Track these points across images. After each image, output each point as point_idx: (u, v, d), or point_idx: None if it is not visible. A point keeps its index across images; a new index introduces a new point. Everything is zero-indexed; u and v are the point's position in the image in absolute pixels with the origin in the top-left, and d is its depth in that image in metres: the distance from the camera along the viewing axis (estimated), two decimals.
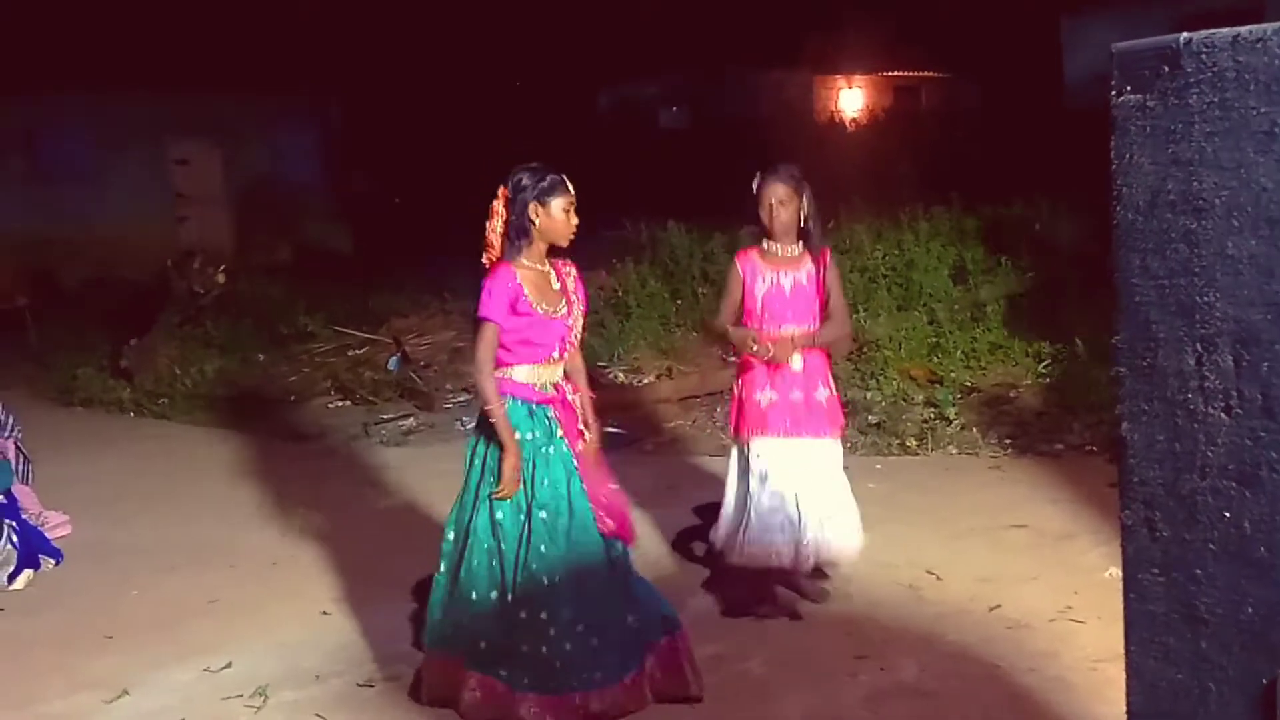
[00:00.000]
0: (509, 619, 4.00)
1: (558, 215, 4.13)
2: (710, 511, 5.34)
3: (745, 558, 4.83)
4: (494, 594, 4.03)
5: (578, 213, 4.21)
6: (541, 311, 4.10)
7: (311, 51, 20.44)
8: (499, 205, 4.15)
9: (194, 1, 19.24)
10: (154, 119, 19.77)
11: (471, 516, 4.08)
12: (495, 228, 4.16)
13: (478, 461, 4.12)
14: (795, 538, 4.77)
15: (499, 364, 4.13)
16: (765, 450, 4.83)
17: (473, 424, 4.38)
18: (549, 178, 4.14)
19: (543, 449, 4.07)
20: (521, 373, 4.14)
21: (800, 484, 4.80)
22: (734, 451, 5.01)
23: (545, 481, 4.04)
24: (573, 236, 4.21)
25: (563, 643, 3.97)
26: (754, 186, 4.88)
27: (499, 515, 4.03)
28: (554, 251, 4.24)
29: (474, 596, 4.05)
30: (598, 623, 4.02)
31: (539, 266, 4.17)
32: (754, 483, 4.84)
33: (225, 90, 19.77)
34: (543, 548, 3.99)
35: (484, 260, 4.22)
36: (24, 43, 17.60)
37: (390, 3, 22.23)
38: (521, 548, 4.01)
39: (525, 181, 4.12)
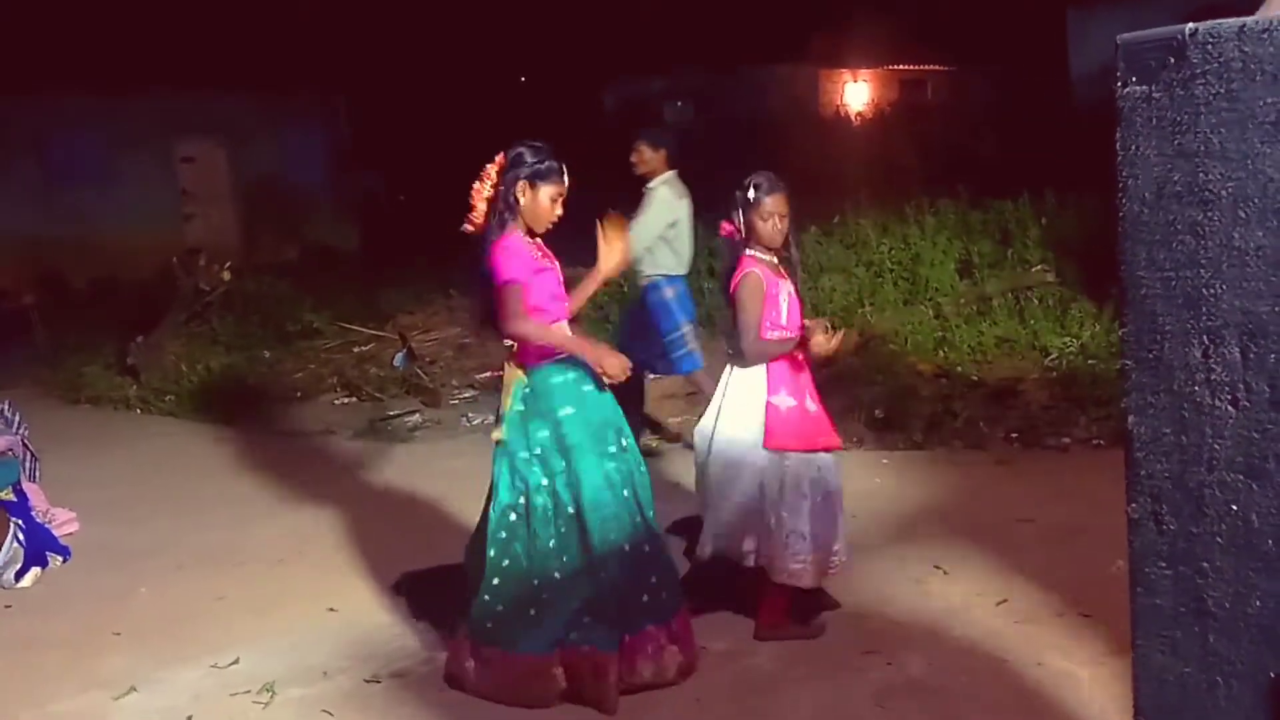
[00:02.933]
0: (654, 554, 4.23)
1: (543, 201, 4.16)
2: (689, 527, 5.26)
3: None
4: (628, 544, 4.13)
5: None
6: (550, 265, 4.22)
7: (317, 49, 20.46)
8: (491, 171, 4.18)
9: (201, 2, 19.25)
10: (161, 119, 19.81)
11: (575, 483, 4.09)
12: (483, 193, 4.17)
13: (544, 442, 4.13)
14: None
15: None
16: (813, 463, 4.56)
17: (490, 419, 4.37)
18: (547, 162, 4.16)
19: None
20: (561, 329, 4.24)
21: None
22: (773, 462, 4.52)
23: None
24: (552, 225, 4.24)
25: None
26: (750, 193, 4.57)
27: (615, 463, 4.15)
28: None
29: (616, 556, 4.10)
30: None
31: (525, 237, 4.22)
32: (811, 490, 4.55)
33: (232, 89, 19.80)
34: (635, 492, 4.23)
35: (466, 224, 4.22)
36: (32, 44, 17.63)
37: (395, 0, 22.23)
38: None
39: (525, 157, 4.16)
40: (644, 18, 23.61)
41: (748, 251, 4.64)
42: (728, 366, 4.70)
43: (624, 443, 4.23)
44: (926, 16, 23.90)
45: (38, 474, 6.85)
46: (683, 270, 7.14)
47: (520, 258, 4.09)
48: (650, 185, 7.04)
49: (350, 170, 22.68)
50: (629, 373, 4.21)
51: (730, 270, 4.71)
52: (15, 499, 6.19)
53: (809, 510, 4.51)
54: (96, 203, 18.93)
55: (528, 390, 4.17)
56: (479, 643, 4.21)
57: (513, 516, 4.13)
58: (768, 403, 4.52)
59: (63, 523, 6.59)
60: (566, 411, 4.13)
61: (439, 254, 14.95)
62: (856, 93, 26.65)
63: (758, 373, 4.57)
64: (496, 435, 4.21)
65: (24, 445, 6.68)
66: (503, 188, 4.14)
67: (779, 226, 4.63)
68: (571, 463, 4.09)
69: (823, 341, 4.55)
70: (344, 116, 23.10)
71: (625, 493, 4.15)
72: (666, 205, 6.99)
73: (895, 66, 27.36)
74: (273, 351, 11.83)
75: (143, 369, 11.17)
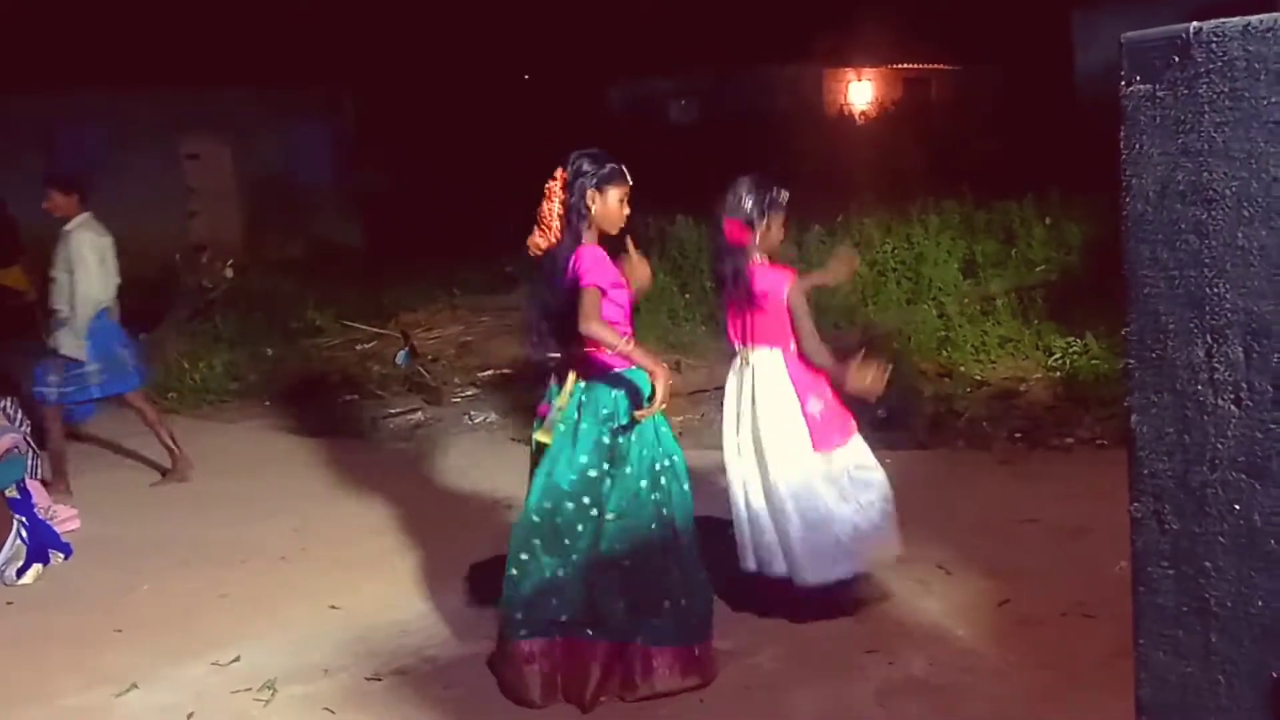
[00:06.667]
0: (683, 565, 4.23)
1: (613, 204, 4.22)
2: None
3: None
4: (645, 557, 4.14)
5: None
6: (624, 282, 4.26)
7: (323, 47, 20.45)
8: (556, 187, 4.21)
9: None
10: (166, 116, 19.81)
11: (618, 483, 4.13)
12: (553, 210, 4.20)
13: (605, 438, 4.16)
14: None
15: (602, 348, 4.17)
16: (859, 446, 4.77)
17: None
18: (609, 166, 4.23)
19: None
20: None
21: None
22: (819, 464, 4.68)
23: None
24: (623, 225, 4.29)
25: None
26: (781, 197, 4.68)
27: (662, 480, 4.18)
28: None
29: (631, 565, 4.13)
30: None
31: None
32: (867, 476, 4.75)
33: (237, 86, 19.80)
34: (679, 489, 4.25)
35: (534, 242, 4.23)
36: (40, 41, 17.66)
37: None
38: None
39: (585, 168, 4.20)
40: (648, 17, 23.59)
41: (757, 258, 4.70)
42: (740, 375, 4.74)
43: (670, 462, 4.23)
44: (930, 15, 23.86)
45: (39, 471, 6.86)
46: (105, 303, 7.37)
47: (604, 266, 4.13)
48: (67, 228, 7.31)
49: (354, 168, 22.67)
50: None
51: (738, 273, 4.71)
52: (19, 496, 6.20)
53: (862, 499, 4.68)
54: (100, 198, 18.86)
55: (585, 397, 4.20)
56: (499, 637, 4.29)
57: (535, 518, 4.18)
58: (804, 413, 4.64)
59: (64, 520, 6.60)
60: (621, 424, 4.15)
61: (442, 252, 14.98)
62: (860, 92, 26.60)
63: (784, 383, 4.65)
64: (544, 438, 4.22)
65: (26, 442, 6.69)
66: (572, 200, 4.17)
67: (782, 235, 4.78)
68: (612, 470, 4.13)
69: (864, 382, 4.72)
70: (349, 114, 23.11)
71: (663, 510, 4.17)
72: (93, 246, 7.29)
73: (899, 65, 27.31)
74: (275, 349, 11.82)
75: (145, 366, 11.15)
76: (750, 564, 4.76)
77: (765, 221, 4.66)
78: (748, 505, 4.74)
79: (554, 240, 4.21)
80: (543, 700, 4.13)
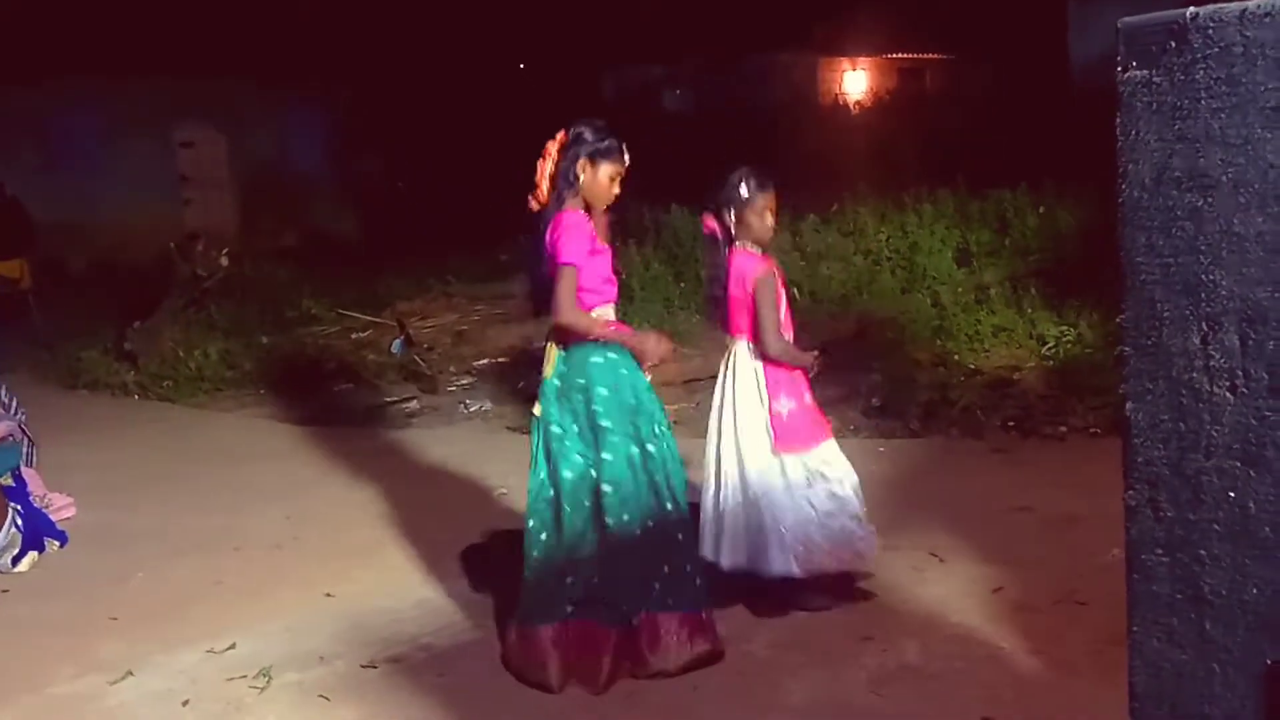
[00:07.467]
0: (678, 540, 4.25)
1: (602, 179, 4.21)
2: None
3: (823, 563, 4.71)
4: (643, 528, 4.14)
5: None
6: (604, 247, 4.24)
7: (317, 37, 20.39)
8: (552, 148, 4.21)
9: None
10: (161, 106, 19.78)
11: (610, 458, 4.13)
12: (546, 170, 4.20)
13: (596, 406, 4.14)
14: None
15: (584, 308, 4.17)
16: (829, 452, 4.68)
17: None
18: (608, 140, 4.21)
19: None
20: (606, 312, 4.25)
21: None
22: (780, 465, 4.61)
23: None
24: (610, 203, 4.28)
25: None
26: (743, 190, 4.63)
27: (650, 448, 4.17)
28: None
29: (629, 538, 4.12)
30: None
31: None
32: (831, 486, 4.65)
33: (232, 76, 19.76)
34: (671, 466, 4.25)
35: (530, 201, 4.24)
36: (36, 32, 17.61)
37: None
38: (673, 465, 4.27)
39: (585, 136, 4.20)
40: (643, 5, 23.53)
41: (738, 245, 4.68)
42: (727, 368, 4.73)
43: (657, 429, 4.22)
44: (925, 5, 23.83)
45: (35, 459, 6.85)
46: None
47: (581, 236, 4.12)
48: None
49: (349, 157, 22.63)
50: (671, 354, 4.24)
51: (723, 267, 4.72)
52: (14, 484, 6.19)
53: (834, 500, 4.61)
54: (95, 187, 18.88)
55: (565, 367, 4.19)
56: (516, 622, 4.29)
57: (550, 492, 4.18)
58: (771, 410, 4.60)
59: (60, 508, 6.59)
60: (601, 391, 4.14)
61: (437, 241, 14.98)
62: (855, 81, 26.54)
63: (758, 378, 4.63)
64: (535, 410, 4.26)
65: (22, 430, 6.68)
66: (563, 164, 4.17)
67: (771, 223, 4.71)
68: (599, 442, 4.13)
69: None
70: (344, 104, 23.05)
71: (656, 478, 4.16)
72: None
73: (894, 55, 27.27)
74: (270, 338, 11.81)
75: (140, 354, 11.16)
76: (707, 551, 4.72)
77: (747, 211, 4.64)
78: (717, 493, 4.69)
79: (543, 200, 4.22)
80: (559, 685, 4.12)
